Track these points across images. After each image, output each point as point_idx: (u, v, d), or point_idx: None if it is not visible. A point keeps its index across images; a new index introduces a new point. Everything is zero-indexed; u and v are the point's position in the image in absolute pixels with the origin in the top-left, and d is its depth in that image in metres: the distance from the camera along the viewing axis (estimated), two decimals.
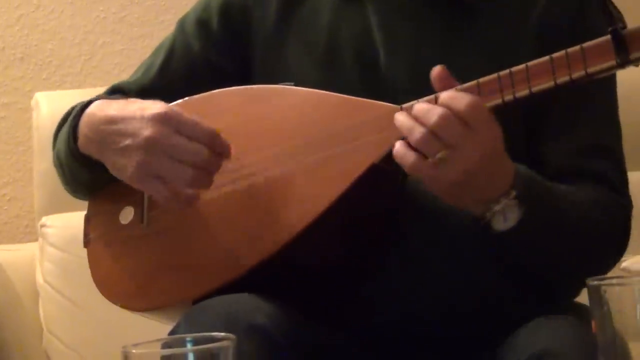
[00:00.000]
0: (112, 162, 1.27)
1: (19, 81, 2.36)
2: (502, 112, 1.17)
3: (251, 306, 1.17)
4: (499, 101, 1.17)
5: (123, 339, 0.83)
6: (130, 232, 1.34)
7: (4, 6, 2.36)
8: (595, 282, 0.85)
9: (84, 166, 1.34)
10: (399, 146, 1.16)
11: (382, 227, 1.29)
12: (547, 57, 1.15)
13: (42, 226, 2.11)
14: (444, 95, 1.15)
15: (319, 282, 1.27)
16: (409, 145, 1.15)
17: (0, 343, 1.87)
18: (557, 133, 1.32)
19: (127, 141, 1.23)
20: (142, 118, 1.23)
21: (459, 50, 1.31)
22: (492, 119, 1.15)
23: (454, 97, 1.15)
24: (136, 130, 1.23)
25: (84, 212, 1.41)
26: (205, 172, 1.22)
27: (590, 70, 1.13)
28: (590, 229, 1.26)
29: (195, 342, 0.82)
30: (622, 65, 1.13)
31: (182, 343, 0.82)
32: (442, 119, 1.13)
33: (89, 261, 1.38)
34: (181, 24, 1.46)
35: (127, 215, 1.35)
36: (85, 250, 1.39)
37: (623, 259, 1.76)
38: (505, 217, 1.17)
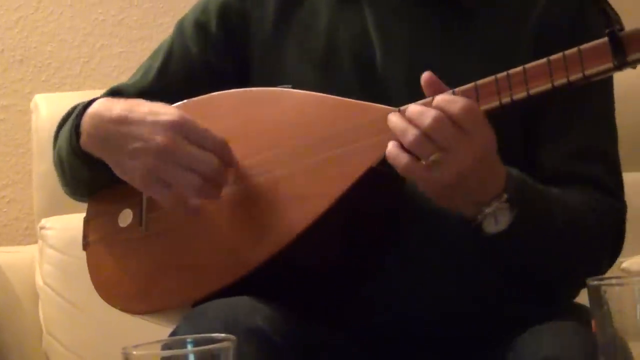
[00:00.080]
0: (118, 163, 1.27)
1: (18, 83, 2.36)
2: (499, 114, 1.17)
3: (250, 308, 1.17)
4: (496, 103, 1.17)
5: (123, 340, 0.83)
6: (129, 235, 1.34)
7: (3, 8, 2.36)
8: (595, 282, 0.86)
9: (85, 164, 1.34)
10: (391, 147, 1.16)
11: (381, 228, 1.29)
12: (544, 60, 1.15)
13: (41, 228, 2.12)
14: (439, 98, 1.15)
15: (319, 282, 1.27)
16: (402, 147, 1.15)
17: (0, 345, 1.87)
18: (552, 136, 1.32)
19: (138, 144, 1.23)
20: (155, 123, 1.23)
21: (456, 51, 1.31)
22: (486, 123, 1.15)
23: (449, 100, 1.15)
24: (148, 134, 1.23)
25: (84, 214, 1.41)
26: (213, 183, 1.22)
27: (588, 72, 1.13)
28: (583, 232, 1.25)
29: (196, 343, 0.82)
30: (620, 67, 1.13)
31: (183, 344, 0.82)
32: (436, 121, 1.13)
33: (88, 264, 1.38)
34: (179, 27, 1.46)
35: (125, 217, 1.35)
36: (84, 252, 1.39)
37: (623, 259, 1.76)
38: (497, 220, 1.17)
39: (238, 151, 1.27)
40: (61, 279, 2.05)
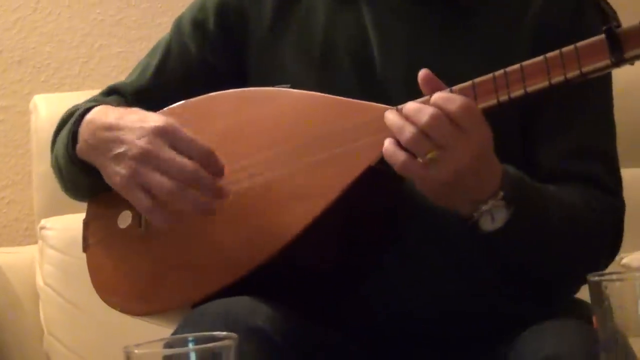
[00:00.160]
0: (104, 168, 1.28)
1: (17, 84, 2.36)
2: (497, 112, 1.17)
3: (250, 308, 1.17)
4: (494, 101, 1.17)
5: (124, 340, 0.83)
6: (129, 236, 1.34)
7: (1, 9, 2.36)
8: (596, 278, 0.85)
9: (82, 171, 1.34)
10: (388, 145, 1.16)
11: (380, 227, 1.29)
12: (541, 57, 1.15)
13: (41, 228, 2.12)
14: (436, 96, 1.15)
15: (318, 282, 1.27)
16: (399, 144, 1.15)
17: (1, 346, 1.87)
18: (550, 134, 1.32)
19: (121, 149, 1.24)
20: (141, 129, 1.24)
21: (454, 50, 1.31)
22: (484, 121, 1.15)
23: (447, 98, 1.15)
24: (132, 139, 1.23)
25: (84, 214, 1.41)
26: (194, 190, 1.20)
27: (585, 69, 1.13)
28: (581, 230, 1.25)
29: (197, 341, 0.82)
30: (617, 64, 1.13)
31: (184, 343, 0.82)
32: (433, 118, 1.13)
33: (88, 266, 1.38)
34: (177, 25, 1.46)
35: (125, 219, 1.35)
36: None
37: (623, 255, 1.76)
38: (493, 217, 1.17)
39: (237, 151, 1.27)
40: (62, 279, 2.05)
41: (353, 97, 1.26)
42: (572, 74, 1.14)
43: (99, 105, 1.35)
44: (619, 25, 1.12)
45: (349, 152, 1.22)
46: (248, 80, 1.39)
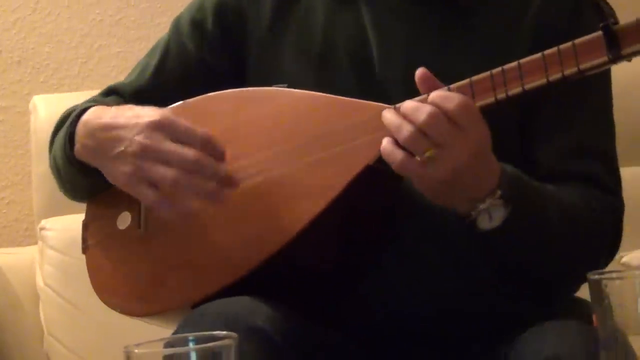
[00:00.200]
0: (107, 169, 1.28)
1: (16, 84, 2.36)
2: (495, 110, 1.17)
3: (250, 308, 1.17)
4: (491, 99, 1.16)
5: (124, 341, 0.83)
6: (128, 237, 1.34)
7: (0, 10, 2.36)
8: (596, 276, 0.85)
9: (80, 172, 1.34)
10: (386, 144, 1.16)
11: (378, 226, 1.29)
12: (539, 54, 1.15)
13: (41, 229, 2.11)
14: (434, 95, 1.15)
15: (317, 281, 1.27)
16: (397, 143, 1.15)
17: (1, 346, 1.87)
18: (550, 132, 1.31)
19: (121, 148, 1.24)
20: (137, 125, 1.24)
21: (453, 50, 1.31)
22: (481, 119, 1.15)
23: (444, 96, 1.14)
24: (130, 136, 1.23)
25: (83, 215, 1.41)
26: (199, 177, 1.20)
27: (583, 66, 1.13)
28: (580, 230, 1.25)
29: (197, 341, 0.82)
30: (614, 61, 1.13)
31: (185, 342, 0.82)
32: (431, 117, 1.13)
33: (88, 267, 1.38)
34: (176, 24, 1.46)
35: (124, 220, 1.35)
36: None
37: (623, 253, 1.76)
38: (491, 216, 1.17)
39: (235, 151, 1.27)
40: (62, 280, 2.05)
41: (352, 97, 1.26)
42: (569, 71, 1.14)
43: (95, 106, 1.35)
44: (616, 22, 1.12)
45: (347, 151, 1.22)
46: (247, 80, 1.39)
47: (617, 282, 0.86)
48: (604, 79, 1.34)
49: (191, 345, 0.82)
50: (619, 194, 1.33)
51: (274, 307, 1.19)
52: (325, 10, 1.37)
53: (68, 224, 2.02)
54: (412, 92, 1.19)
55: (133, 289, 1.33)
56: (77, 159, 1.32)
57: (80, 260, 1.40)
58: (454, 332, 1.29)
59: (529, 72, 1.15)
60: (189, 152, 1.20)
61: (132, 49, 2.39)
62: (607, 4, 1.14)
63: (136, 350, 0.80)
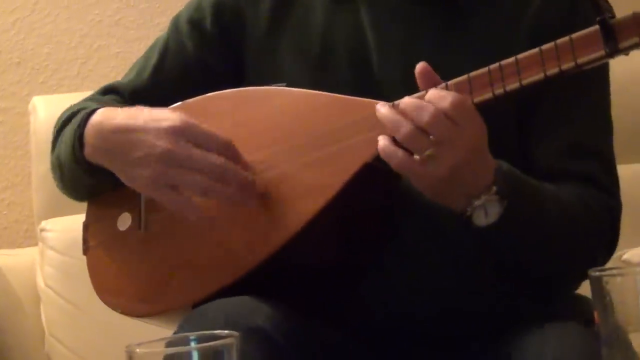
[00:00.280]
0: (124, 172, 1.27)
1: (15, 85, 2.36)
2: (493, 106, 1.17)
3: (250, 308, 1.17)
4: (489, 95, 1.17)
5: (126, 341, 0.83)
6: (129, 238, 1.34)
7: None
8: (597, 273, 0.86)
9: (87, 173, 1.33)
10: (384, 142, 1.16)
11: (377, 224, 1.30)
12: (536, 49, 1.15)
13: (41, 230, 2.11)
14: (430, 94, 1.15)
15: (317, 280, 1.27)
16: (394, 141, 1.15)
17: (2, 348, 1.87)
18: (547, 131, 1.31)
19: (141, 152, 1.24)
20: (157, 129, 1.23)
21: (452, 50, 1.31)
22: (477, 115, 1.16)
23: (439, 96, 1.14)
24: (151, 141, 1.23)
25: (84, 215, 1.41)
26: (222, 183, 1.22)
27: (580, 61, 1.13)
28: (578, 228, 1.25)
29: (199, 340, 0.82)
30: (611, 54, 1.13)
31: (186, 341, 0.82)
32: (434, 117, 1.13)
33: (89, 269, 1.38)
34: (174, 24, 1.46)
35: (124, 221, 1.35)
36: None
37: (624, 250, 1.76)
38: (487, 212, 1.17)
39: None
40: (62, 281, 2.05)
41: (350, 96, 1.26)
42: (567, 65, 1.14)
43: (101, 106, 1.35)
44: (612, 16, 1.12)
45: (345, 149, 1.22)
46: (245, 80, 1.39)
47: (618, 278, 0.86)
48: (603, 77, 1.34)
49: (193, 344, 0.82)
50: (617, 194, 1.33)
51: (274, 306, 1.19)
52: (323, 10, 1.37)
53: (68, 224, 2.02)
54: (410, 92, 1.19)
55: (134, 290, 1.33)
56: (87, 161, 1.32)
57: (80, 261, 1.40)
58: (454, 331, 1.29)
59: (526, 67, 1.15)
60: (215, 159, 1.21)
61: (131, 49, 2.39)
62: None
63: (138, 350, 0.80)
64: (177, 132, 1.22)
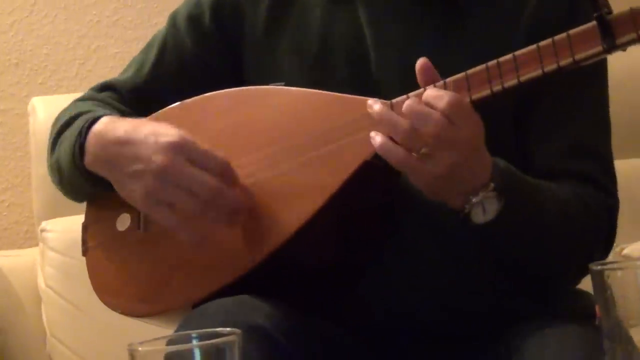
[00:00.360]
0: (120, 183, 1.27)
1: (14, 87, 2.36)
2: (490, 103, 1.17)
3: (250, 307, 1.17)
4: (487, 92, 1.17)
5: (126, 341, 0.83)
6: (128, 239, 1.34)
7: None
8: (598, 267, 0.86)
9: (87, 181, 1.33)
10: (383, 141, 1.16)
11: (377, 222, 1.30)
12: (534, 46, 1.15)
13: (42, 231, 2.11)
14: (426, 95, 1.15)
15: (317, 279, 1.27)
16: (391, 139, 1.15)
17: (4, 348, 1.87)
18: (546, 130, 1.31)
19: (138, 166, 1.23)
20: (156, 144, 1.23)
21: (450, 50, 1.31)
22: (474, 113, 1.16)
23: (436, 96, 1.14)
24: (148, 156, 1.22)
25: (84, 216, 1.41)
26: (214, 205, 1.21)
27: (578, 56, 1.13)
28: (573, 224, 1.25)
29: (201, 338, 0.82)
30: (609, 50, 1.13)
31: (188, 339, 0.82)
32: (434, 125, 1.13)
33: (88, 270, 1.38)
34: (172, 20, 1.46)
35: (124, 221, 1.35)
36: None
37: (624, 245, 1.76)
38: (484, 209, 1.17)
39: (233, 151, 1.27)
40: (63, 281, 2.05)
41: None
42: (564, 61, 1.14)
43: (105, 113, 1.34)
44: (610, 12, 1.12)
45: (344, 147, 1.22)
46: (244, 79, 1.39)
47: (619, 273, 0.86)
48: (601, 74, 1.34)
49: (195, 342, 0.82)
50: (614, 193, 1.33)
51: (274, 305, 1.19)
52: (322, 10, 1.37)
53: (68, 225, 2.02)
54: (408, 92, 1.20)
55: (134, 290, 1.33)
56: (87, 170, 1.31)
57: (81, 261, 1.40)
58: (454, 330, 1.29)
59: (524, 64, 1.15)
60: (209, 180, 1.20)
61: (129, 50, 2.39)
62: None
63: (140, 348, 0.80)
64: (175, 149, 1.22)
